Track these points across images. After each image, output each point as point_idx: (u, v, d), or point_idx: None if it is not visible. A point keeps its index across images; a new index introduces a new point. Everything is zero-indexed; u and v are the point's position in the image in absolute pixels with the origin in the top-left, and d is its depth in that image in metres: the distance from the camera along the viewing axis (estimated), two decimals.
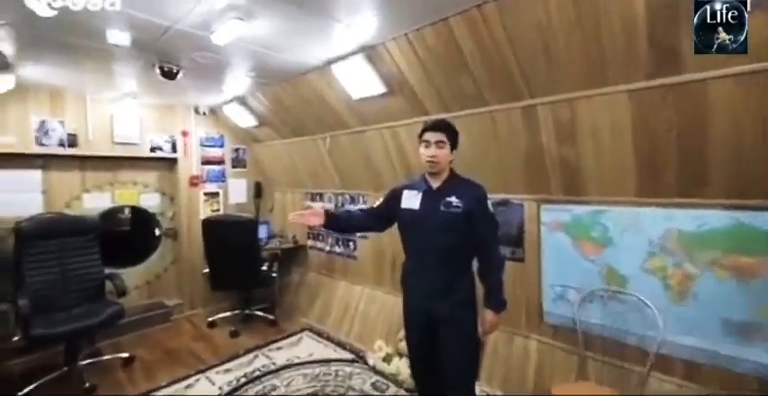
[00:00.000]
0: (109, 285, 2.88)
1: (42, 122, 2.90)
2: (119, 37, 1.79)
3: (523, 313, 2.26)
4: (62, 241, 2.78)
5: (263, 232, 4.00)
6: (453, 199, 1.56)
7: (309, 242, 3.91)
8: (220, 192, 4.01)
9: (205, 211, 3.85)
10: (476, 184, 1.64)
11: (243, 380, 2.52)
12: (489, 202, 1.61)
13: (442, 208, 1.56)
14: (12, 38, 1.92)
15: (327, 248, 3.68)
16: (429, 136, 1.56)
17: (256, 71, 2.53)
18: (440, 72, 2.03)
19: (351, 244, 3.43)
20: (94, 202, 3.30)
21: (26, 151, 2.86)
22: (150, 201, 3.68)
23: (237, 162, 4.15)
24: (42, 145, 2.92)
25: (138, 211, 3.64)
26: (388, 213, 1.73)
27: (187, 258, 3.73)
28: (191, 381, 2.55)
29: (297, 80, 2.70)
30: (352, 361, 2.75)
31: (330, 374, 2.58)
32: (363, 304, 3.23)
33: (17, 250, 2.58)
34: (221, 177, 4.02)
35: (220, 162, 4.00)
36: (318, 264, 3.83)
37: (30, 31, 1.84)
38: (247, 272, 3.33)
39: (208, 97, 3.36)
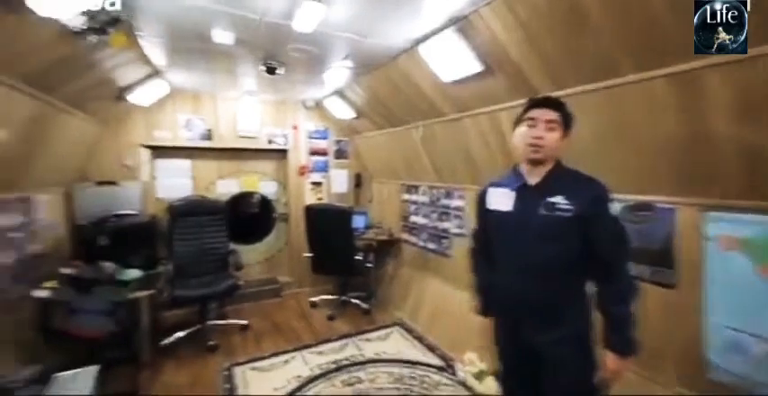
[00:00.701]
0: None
1: (188, 120, 3.50)
2: (222, 36, 1.94)
3: (671, 359, 1.65)
4: (200, 219, 3.32)
5: (360, 222, 4.07)
6: (559, 199, 1.19)
7: (404, 236, 3.80)
8: (324, 181, 4.24)
9: (311, 199, 4.13)
10: (591, 180, 1.22)
11: (332, 366, 2.58)
12: (614, 205, 1.17)
13: (542, 211, 1.20)
14: (163, 50, 2.30)
15: (421, 244, 3.51)
16: (536, 113, 1.21)
17: (348, 59, 2.47)
18: (549, 37, 1.58)
19: (444, 241, 3.18)
20: (225, 188, 3.88)
21: (177, 144, 3.50)
22: (268, 188, 4.14)
23: (340, 154, 4.31)
24: (188, 139, 3.53)
25: (258, 197, 4.13)
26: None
27: (296, 241, 4.06)
28: (288, 357, 2.74)
29: (387, 67, 2.56)
30: (440, 369, 2.54)
31: (415, 379, 2.43)
32: (456, 308, 2.96)
33: (169, 225, 3.18)
34: (325, 168, 4.24)
35: (325, 153, 4.22)
36: (412, 258, 3.70)
37: (173, 43, 2.15)
38: (342, 259, 3.43)
39: (312, 91, 3.53)
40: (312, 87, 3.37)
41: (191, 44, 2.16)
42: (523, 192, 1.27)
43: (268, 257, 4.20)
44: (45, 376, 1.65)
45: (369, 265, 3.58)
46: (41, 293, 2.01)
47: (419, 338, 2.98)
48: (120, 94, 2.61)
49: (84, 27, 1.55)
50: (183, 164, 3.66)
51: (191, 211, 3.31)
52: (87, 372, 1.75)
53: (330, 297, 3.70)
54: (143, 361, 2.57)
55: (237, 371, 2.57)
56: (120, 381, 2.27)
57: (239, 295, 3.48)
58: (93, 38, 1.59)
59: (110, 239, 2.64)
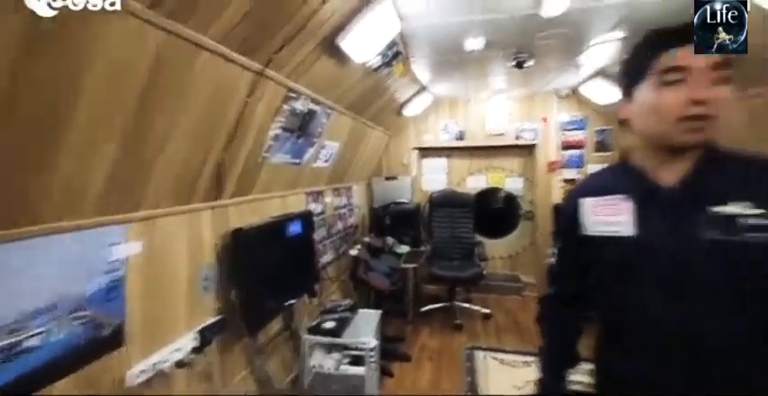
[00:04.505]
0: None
1: (445, 124, 4.05)
2: (474, 43, 2.14)
3: None
4: (451, 210, 3.81)
5: None
6: (741, 208, 0.63)
7: None
8: (579, 178, 3.78)
9: (560, 197, 3.80)
10: None
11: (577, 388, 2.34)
12: None
13: (709, 231, 0.64)
14: (427, 69, 2.83)
15: None
16: (684, 56, 0.67)
17: (619, 28, 2.07)
18: None
19: None
20: (474, 183, 4.21)
21: (436, 145, 4.12)
22: (514, 184, 4.15)
23: (601, 146, 3.70)
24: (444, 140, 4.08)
25: (503, 193, 4.21)
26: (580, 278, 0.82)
27: (542, 242, 3.86)
28: (530, 359, 2.69)
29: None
30: None
31: None
32: None
33: (429, 212, 3.84)
34: (580, 163, 3.77)
35: (580, 146, 3.75)
36: None
37: (435, 60, 2.61)
38: None
39: (567, 78, 3.22)
40: (566, 74, 3.09)
41: (448, 57, 2.52)
42: (656, 199, 0.70)
43: (512, 254, 4.21)
44: (354, 307, 2.42)
45: None
46: (353, 252, 2.95)
47: None
48: (400, 109, 3.39)
49: (379, 64, 2.15)
50: (441, 162, 4.28)
51: (445, 203, 3.85)
52: (375, 313, 2.42)
53: None
54: (408, 319, 3.27)
55: (479, 354, 2.77)
56: (392, 327, 3.00)
57: (483, 285, 3.72)
58: (384, 71, 2.18)
59: (390, 220, 3.51)
